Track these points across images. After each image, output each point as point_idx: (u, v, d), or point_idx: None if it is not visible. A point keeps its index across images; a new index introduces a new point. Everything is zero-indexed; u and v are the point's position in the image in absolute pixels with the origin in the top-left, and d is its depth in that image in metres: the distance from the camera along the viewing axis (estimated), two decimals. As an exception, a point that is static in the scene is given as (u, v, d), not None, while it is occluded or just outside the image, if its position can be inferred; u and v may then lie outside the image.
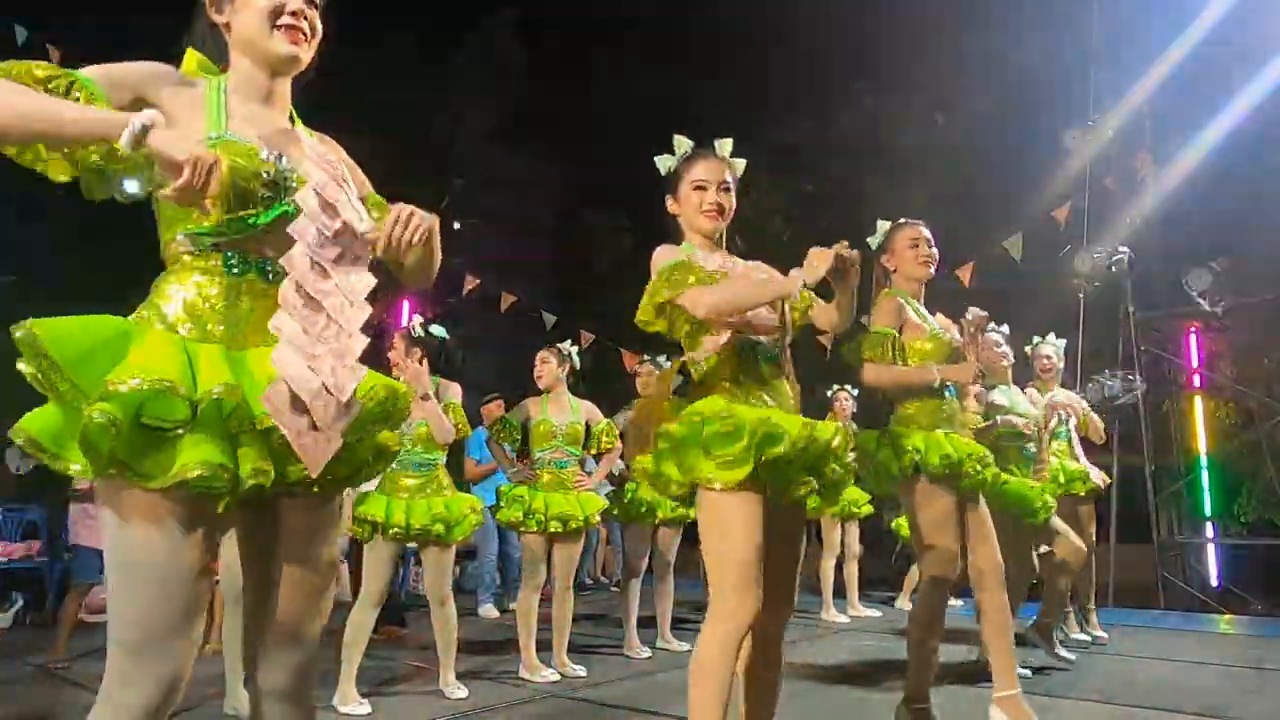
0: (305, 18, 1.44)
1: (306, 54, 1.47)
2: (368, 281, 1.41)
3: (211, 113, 1.37)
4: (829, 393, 6.00)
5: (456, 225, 13.05)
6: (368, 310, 1.40)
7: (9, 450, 6.75)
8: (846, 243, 2.00)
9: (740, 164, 2.24)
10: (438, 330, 3.81)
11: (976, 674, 3.65)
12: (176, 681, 1.26)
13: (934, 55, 11.12)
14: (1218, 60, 7.42)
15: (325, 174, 1.39)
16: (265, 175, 1.37)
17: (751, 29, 14.20)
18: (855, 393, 5.99)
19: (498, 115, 14.58)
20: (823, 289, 2.13)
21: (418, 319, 3.79)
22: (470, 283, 8.24)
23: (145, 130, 1.20)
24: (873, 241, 3.00)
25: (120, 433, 1.17)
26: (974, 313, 2.86)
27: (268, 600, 1.40)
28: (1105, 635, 4.74)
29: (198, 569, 1.27)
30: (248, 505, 1.37)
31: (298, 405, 1.26)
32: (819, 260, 1.96)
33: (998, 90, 10.46)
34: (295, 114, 1.53)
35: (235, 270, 1.35)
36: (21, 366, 1.20)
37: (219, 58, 1.49)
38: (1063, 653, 3.97)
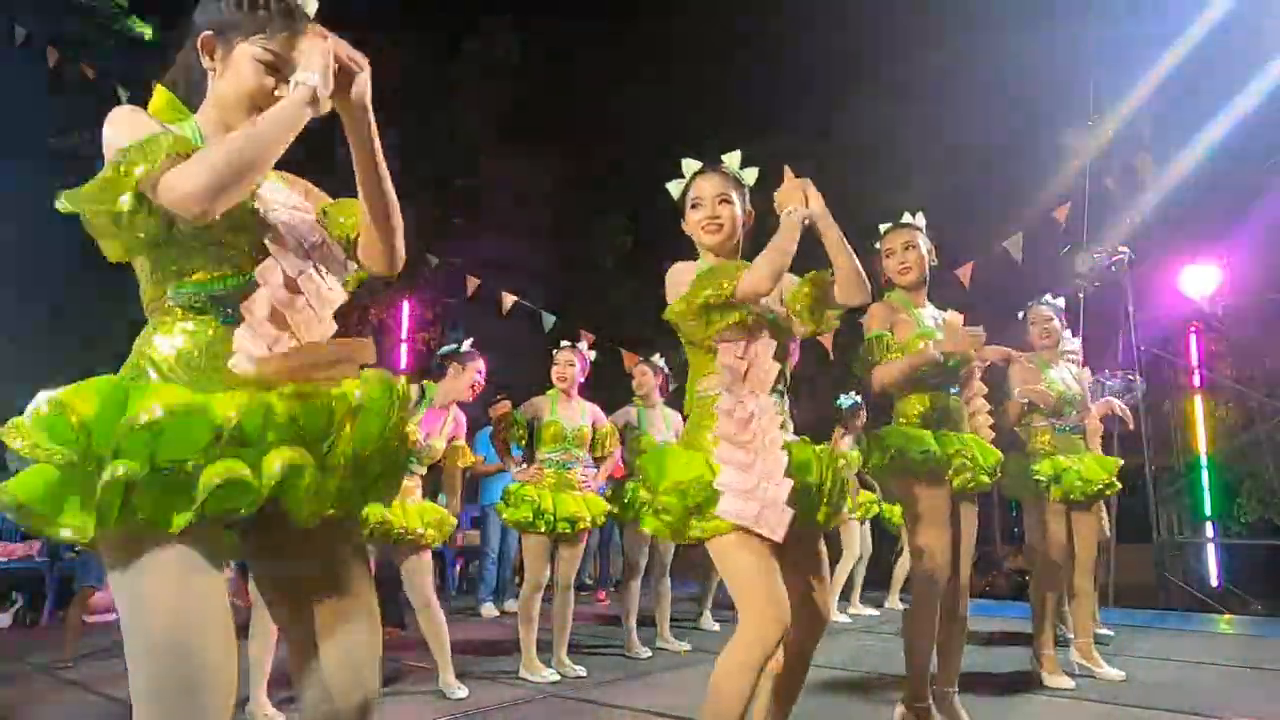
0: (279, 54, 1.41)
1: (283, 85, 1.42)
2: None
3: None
4: (845, 405, 5.98)
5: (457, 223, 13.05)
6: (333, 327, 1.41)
7: (7, 452, 6.75)
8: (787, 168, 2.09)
9: (750, 174, 2.25)
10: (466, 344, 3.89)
11: (977, 674, 3.65)
12: None
13: (934, 55, 11.12)
14: (1218, 60, 7.42)
15: (295, 224, 1.40)
16: (256, 210, 1.37)
17: (751, 29, 14.20)
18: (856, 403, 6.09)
19: (498, 115, 14.57)
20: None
21: (468, 341, 3.89)
22: (470, 283, 8.24)
23: (312, 90, 1.26)
24: (879, 245, 3.01)
25: (138, 486, 1.14)
26: (952, 317, 2.88)
27: (307, 646, 1.33)
28: (1110, 633, 4.74)
29: (227, 615, 1.22)
30: (262, 548, 1.34)
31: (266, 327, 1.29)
32: (788, 190, 2.08)
33: (998, 90, 10.46)
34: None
35: (228, 319, 1.32)
36: (23, 445, 1.15)
37: (191, 96, 1.45)
38: (1064, 683, 3.61)
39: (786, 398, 2.17)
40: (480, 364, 3.81)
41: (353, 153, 1.38)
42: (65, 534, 1.17)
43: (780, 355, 2.14)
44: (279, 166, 1.40)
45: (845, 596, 6.15)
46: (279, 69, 1.38)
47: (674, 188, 2.26)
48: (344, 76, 1.32)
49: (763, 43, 14.38)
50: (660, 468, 2.04)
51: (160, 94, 1.43)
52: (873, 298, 2.93)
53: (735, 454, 1.97)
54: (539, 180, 13.63)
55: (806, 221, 2.07)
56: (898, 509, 6.25)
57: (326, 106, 1.31)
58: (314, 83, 1.26)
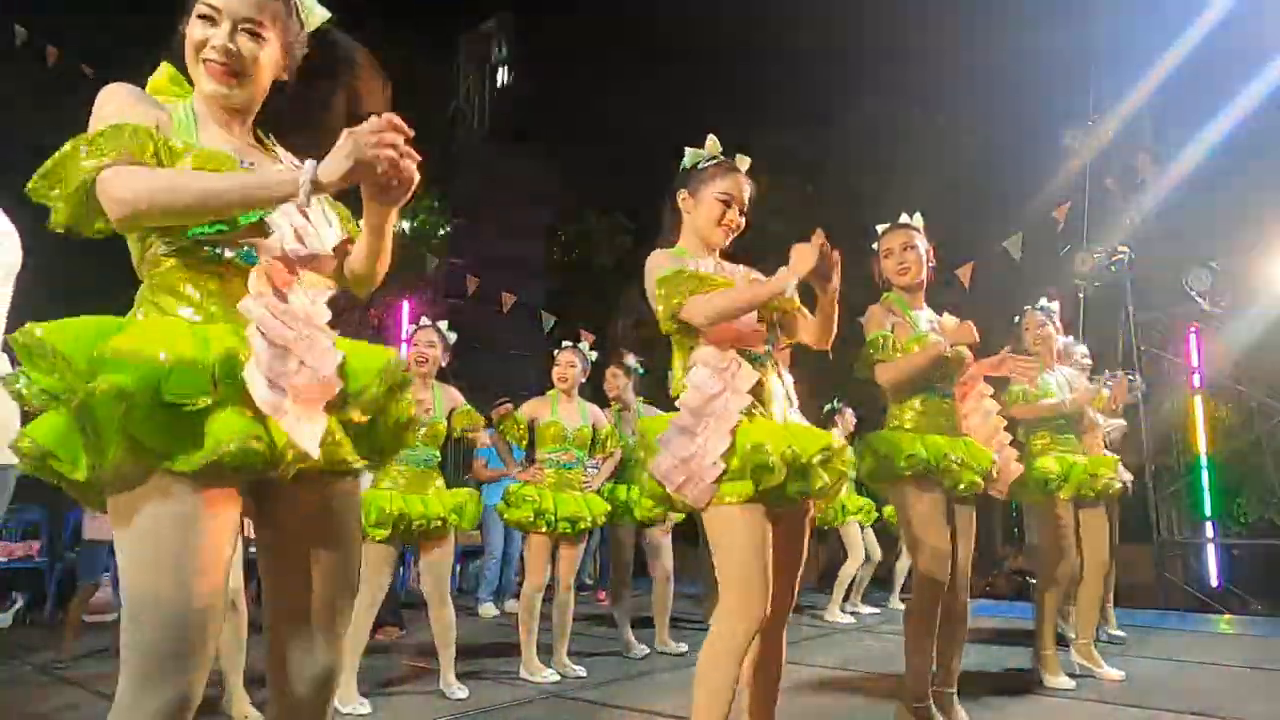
0: (235, 53, 1.34)
1: (239, 92, 1.38)
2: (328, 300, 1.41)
3: (181, 131, 1.33)
4: (825, 409, 6.12)
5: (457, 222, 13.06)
6: (328, 314, 1.40)
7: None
8: (822, 231, 2.04)
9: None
10: (451, 335, 3.88)
11: (977, 674, 3.65)
12: (190, 703, 1.18)
13: (934, 55, 11.12)
14: (1218, 60, 7.42)
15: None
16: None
17: (752, 29, 14.20)
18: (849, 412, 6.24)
19: (498, 115, 14.56)
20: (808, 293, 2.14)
21: (443, 323, 3.87)
22: (470, 283, 8.25)
23: (314, 178, 1.21)
24: (878, 246, 2.99)
25: (136, 407, 1.11)
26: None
27: (288, 596, 1.35)
28: (1123, 635, 4.74)
29: (228, 563, 1.22)
30: (263, 498, 1.33)
31: (275, 385, 1.21)
32: (804, 255, 2.01)
33: (998, 90, 10.46)
34: (265, 133, 1.49)
35: (224, 255, 1.31)
36: (18, 384, 1.15)
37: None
38: (1064, 684, 3.60)
39: (785, 374, 2.19)
40: (427, 335, 3.78)
41: (365, 226, 1.40)
42: (82, 475, 1.15)
43: (771, 329, 2.16)
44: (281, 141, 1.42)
45: (846, 596, 6.16)
46: (215, 21, 1.35)
47: (692, 157, 2.23)
48: (386, 185, 1.28)
49: (763, 43, 14.39)
50: (652, 443, 2.09)
51: (164, 69, 1.42)
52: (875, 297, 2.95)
53: (685, 418, 2.02)
54: (539, 180, 13.62)
55: (787, 293, 2.07)
56: (889, 511, 6.29)
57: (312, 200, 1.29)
58: (304, 190, 1.22)
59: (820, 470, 2.06)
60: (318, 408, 1.25)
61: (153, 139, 1.25)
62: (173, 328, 1.22)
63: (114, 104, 1.29)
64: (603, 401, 4.52)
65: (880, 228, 3.00)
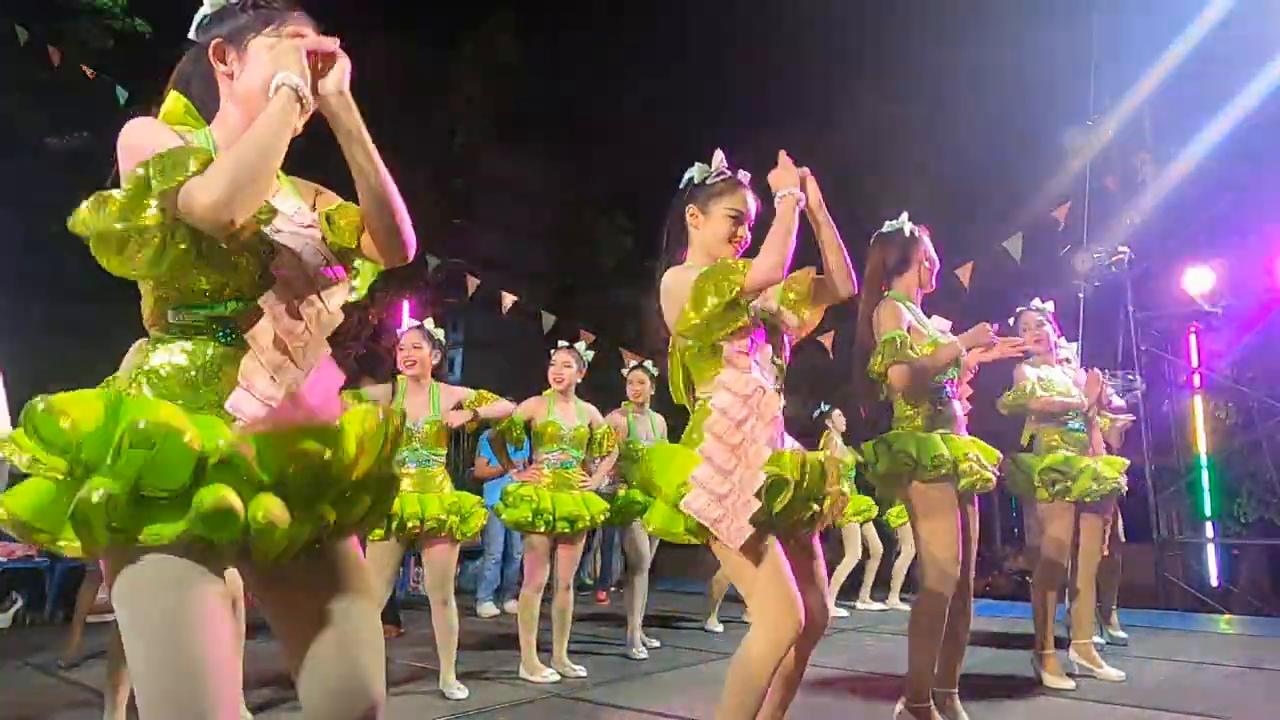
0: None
1: (299, 122, 1.38)
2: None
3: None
4: (815, 414, 6.18)
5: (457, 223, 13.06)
6: (340, 317, 1.42)
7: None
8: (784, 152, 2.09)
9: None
10: (439, 331, 3.87)
11: (977, 674, 3.65)
12: None
13: (935, 55, 11.13)
14: (1218, 60, 7.42)
15: (302, 244, 1.39)
16: (265, 234, 1.35)
17: (752, 29, 14.21)
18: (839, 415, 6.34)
19: (498, 115, 14.57)
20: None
21: (429, 321, 3.85)
22: (470, 283, 8.25)
23: (293, 88, 1.27)
24: (890, 226, 2.96)
25: (117, 507, 1.12)
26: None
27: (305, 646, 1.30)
28: (1125, 635, 4.73)
29: (228, 615, 1.21)
30: (262, 581, 1.32)
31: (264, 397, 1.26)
32: (782, 173, 2.09)
33: (998, 90, 10.47)
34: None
35: (229, 341, 1.31)
36: (20, 458, 1.14)
37: (203, 102, 1.42)
38: (1064, 684, 3.59)
39: (782, 396, 2.18)
40: (413, 337, 3.75)
41: (342, 147, 1.38)
42: (66, 550, 1.16)
43: (778, 352, 2.15)
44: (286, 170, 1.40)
45: (844, 594, 6.28)
46: None
47: (700, 172, 2.23)
48: (319, 70, 1.33)
49: (763, 43, 14.39)
50: (657, 467, 2.07)
51: (176, 99, 1.41)
52: (871, 283, 2.95)
53: (719, 452, 1.98)
54: (539, 180, 13.63)
55: (801, 206, 2.08)
56: (893, 512, 6.32)
57: (312, 104, 1.31)
58: (294, 82, 1.28)
59: (825, 489, 2.08)
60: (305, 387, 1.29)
61: (205, 154, 1.24)
62: (165, 411, 1.19)
63: (149, 136, 1.28)
64: (602, 401, 4.52)
65: (912, 227, 2.94)
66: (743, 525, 1.93)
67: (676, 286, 2.10)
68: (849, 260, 2.15)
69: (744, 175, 2.23)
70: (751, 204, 2.20)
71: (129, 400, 1.21)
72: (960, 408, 2.97)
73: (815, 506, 2.07)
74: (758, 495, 1.95)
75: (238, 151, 1.24)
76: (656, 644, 4.54)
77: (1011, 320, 4.03)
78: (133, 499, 1.14)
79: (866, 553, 6.40)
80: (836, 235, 2.14)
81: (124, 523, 1.14)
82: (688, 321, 2.03)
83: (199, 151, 1.24)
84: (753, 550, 1.96)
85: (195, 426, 1.18)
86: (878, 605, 6.39)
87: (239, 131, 1.35)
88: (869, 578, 6.46)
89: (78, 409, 1.15)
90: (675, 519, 2.03)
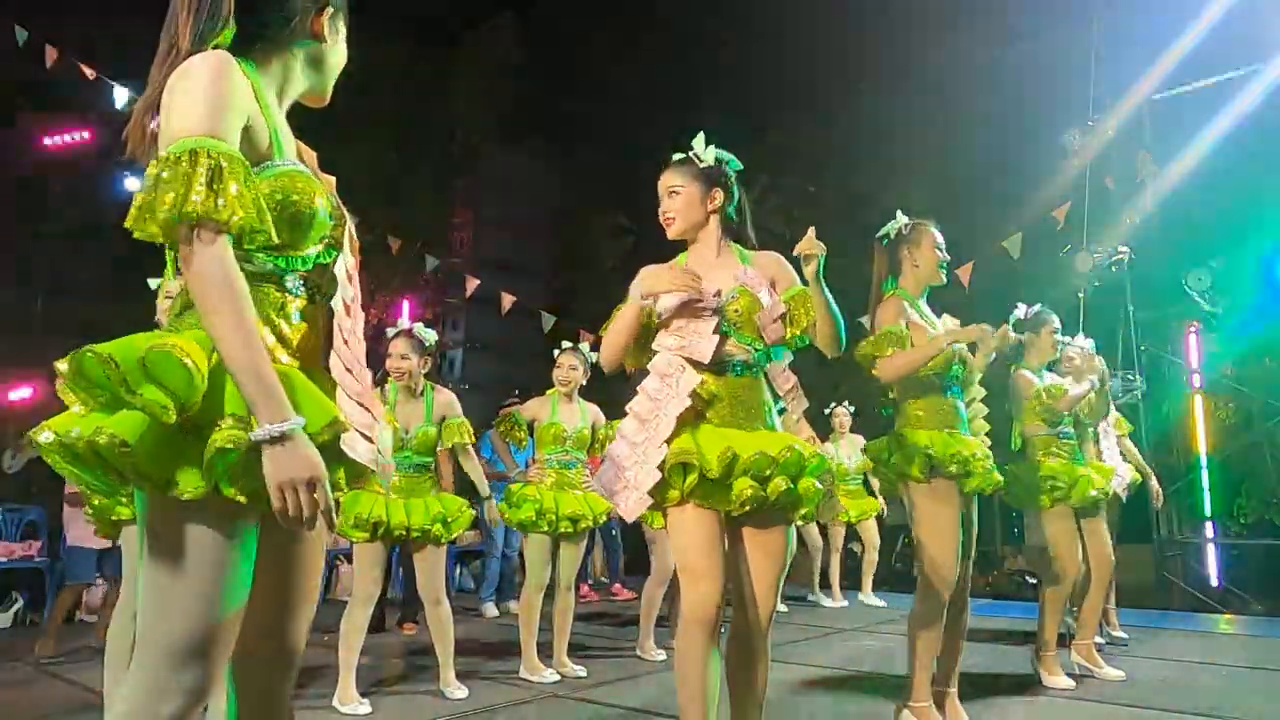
0: None
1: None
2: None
3: (272, 132, 1.30)
4: (826, 411, 6.33)
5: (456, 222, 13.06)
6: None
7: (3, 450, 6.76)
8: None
9: (709, 152, 2.26)
10: (429, 334, 3.76)
11: (977, 674, 3.65)
12: (209, 691, 1.20)
13: (934, 55, 11.13)
14: (1218, 60, 7.42)
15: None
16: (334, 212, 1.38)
17: (752, 28, 14.21)
18: (852, 409, 6.47)
19: (498, 115, 14.56)
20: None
21: (419, 325, 3.77)
22: (470, 283, 8.25)
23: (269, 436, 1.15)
24: (890, 229, 2.94)
25: (248, 464, 1.15)
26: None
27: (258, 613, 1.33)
28: (1126, 636, 4.73)
29: (252, 569, 1.25)
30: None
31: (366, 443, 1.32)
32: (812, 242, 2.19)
33: (998, 90, 10.46)
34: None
35: (301, 292, 1.32)
36: (138, 397, 1.11)
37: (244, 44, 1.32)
38: (1064, 684, 3.60)
39: (764, 380, 2.23)
40: (399, 346, 3.65)
41: None
42: (180, 494, 1.14)
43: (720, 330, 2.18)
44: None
45: (825, 585, 6.57)
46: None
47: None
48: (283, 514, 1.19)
49: (764, 43, 14.39)
50: None
51: (226, 35, 1.28)
52: (874, 285, 2.96)
53: (632, 428, 2.15)
54: (539, 180, 13.63)
55: (726, 299, 2.18)
56: (858, 506, 6.34)
57: None
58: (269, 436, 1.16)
59: (781, 478, 2.08)
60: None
61: (244, 169, 1.19)
62: (299, 384, 1.23)
63: (214, 90, 1.19)
64: (598, 401, 4.51)
65: (933, 227, 2.93)
66: (641, 497, 2.05)
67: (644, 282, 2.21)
68: (840, 331, 2.23)
69: (697, 142, 2.28)
70: (666, 178, 2.28)
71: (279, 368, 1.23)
72: (966, 410, 2.97)
73: (757, 487, 2.06)
74: (660, 468, 2.05)
75: (237, 324, 1.16)
76: (662, 654, 4.51)
77: (1008, 320, 4.01)
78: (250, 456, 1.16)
79: (863, 545, 6.60)
80: (826, 306, 2.21)
81: (246, 478, 1.16)
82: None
83: (243, 166, 1.18)
84: (676, 523, 2.11)
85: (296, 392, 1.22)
86: (878, 600, 6.46)
87: (279, 85, 1.36)
88: (871, 571, 6.60)
89: (198, 353, 1.15)
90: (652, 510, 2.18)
